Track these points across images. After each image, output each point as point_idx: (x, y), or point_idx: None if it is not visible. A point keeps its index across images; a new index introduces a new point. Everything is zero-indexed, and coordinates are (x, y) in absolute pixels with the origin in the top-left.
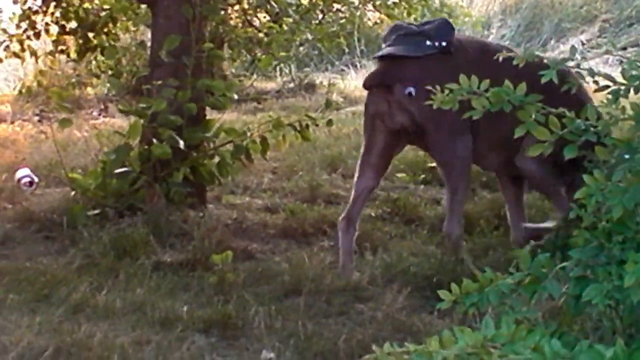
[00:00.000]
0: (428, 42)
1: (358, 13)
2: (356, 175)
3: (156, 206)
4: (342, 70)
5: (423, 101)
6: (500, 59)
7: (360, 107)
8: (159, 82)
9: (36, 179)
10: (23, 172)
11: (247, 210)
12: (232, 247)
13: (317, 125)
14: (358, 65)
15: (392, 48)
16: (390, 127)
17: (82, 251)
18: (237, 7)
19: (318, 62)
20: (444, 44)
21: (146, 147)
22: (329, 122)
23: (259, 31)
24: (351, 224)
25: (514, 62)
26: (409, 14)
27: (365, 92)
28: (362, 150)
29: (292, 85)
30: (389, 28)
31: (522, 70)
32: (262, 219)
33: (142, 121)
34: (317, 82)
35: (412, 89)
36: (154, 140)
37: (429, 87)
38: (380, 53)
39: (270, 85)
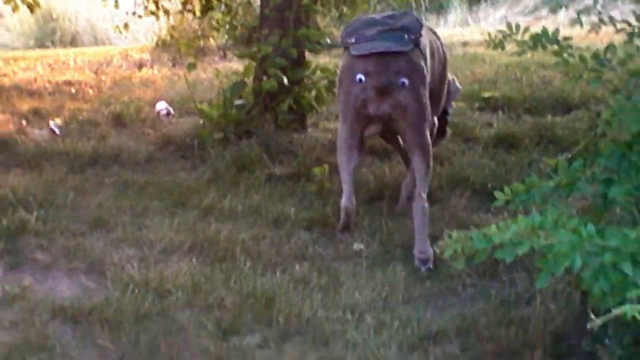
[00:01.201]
0: (406, 37)
1: None
2: (343, 157)
3: (267, 130)
4: None
5: (411, 90)
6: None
7: None
8: (267, 32)
9: (172, 111)
10: (161, 105)
11: None
12: (329, 162)
13: None
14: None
15: (380, 43)
16: (375, 115)
17: (210, 167)
18: None
19: None
20: (416, 37)
21: (258, 83)
22: None
23: None
24: (352, 204)
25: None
26: None
27: None
28: (343, 134)
29: None
30: (358, 22)
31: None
32: None
33: (253, 63)
34: None
35: (405, 80)
36: (264, 78)
37: (414, 78)
38: (371, 48)
39: None
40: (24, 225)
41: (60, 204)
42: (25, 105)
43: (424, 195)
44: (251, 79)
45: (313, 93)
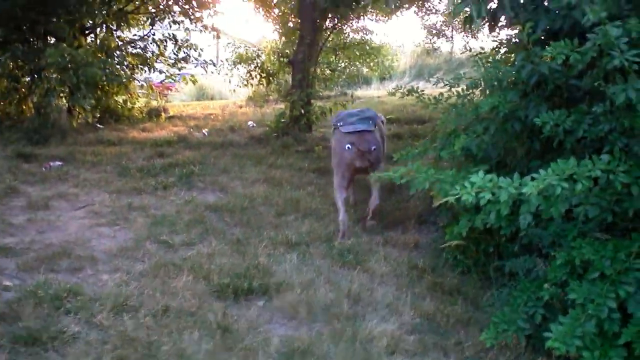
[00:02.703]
0: (371, 122)
1: None
2: (337, 194)
3: (294, 132)
4: None
5: (376, 153)
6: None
7: None
8: (293, 91)
9: (255, 125)
10: (250, 123)
11: None
12: (321, 145)
13: None
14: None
15: (359, 125)
16: (359, 167)
17: (270, 147)
18: None
19: None
20: (374, 122)
21: (290, 112)
22: None
23: None
24: (345, 213)
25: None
26: None
27: None
28: (337, 179)
29: None
30: (343, 113)
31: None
32: None
33: (289, 104)
34: None
35: (374, 147)
36: (293, 110)
37: (378, 147)
38: (354, 129)
39: None
40: (192, 171)
41: (208, 164)
42: (192, 122)
43: (377, 199)
44: (288, 111)
45: (314, 117)
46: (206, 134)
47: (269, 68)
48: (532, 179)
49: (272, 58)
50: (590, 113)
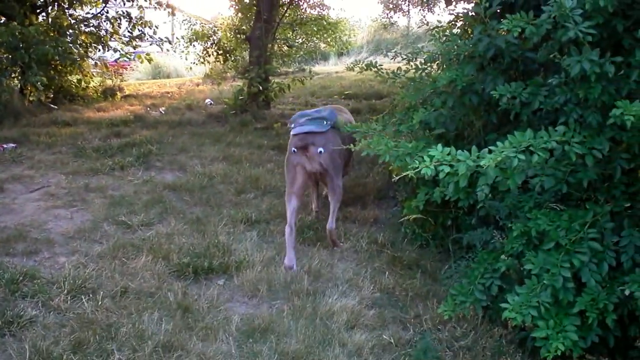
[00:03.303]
0: (325, 122)
1: None
2: (286, 200)
3: (253, 109)
4: None
5: (327, 157)
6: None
7: None
8: (252, 67)
9: (212, 102)
10: (208, 100)
11: None
12: (280, 122)
13: None
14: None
15: (306, 127)
16: (307, 171)
17: (229, 125)
18: None
19: None
20: (332, 123)
21: (248, 90)
22: None
23: None
24: (292, 230)
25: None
26: None
27: None
28: (286, 185)
29: None
30: (297, 114)
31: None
32: None
33: (246, 81)
34: None
35: (321, 149)
36: (251, 87)
37: (328, 149)
38: (300, 130)
39: None
40: (150, 151)
41: (165, 143)
42: (149, 101)
43: (332, 221)
44: (246, 88)
45: (272, 93)
46: (163, 112)
47: (225, 45)
48: (490, 151)
49: (229, 35)
50: (545, 85)
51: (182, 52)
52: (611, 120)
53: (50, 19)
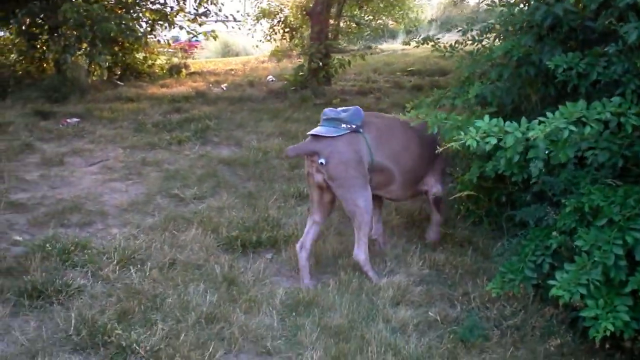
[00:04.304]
0: (343, 125)
1: None
2: (308, 214)
3: (313, 85)
4: None
5: (331, 169)
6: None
7: None
8: (312, 44)
9: (274, 79)
10: (270, 77)
11: None
12: (341, 97)
13: None
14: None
15: (317, 129)
16: (314, 183)
17: (289, 101)
18: None
19: None
20: (354, 126)
21: (309, 65)
22: None
23: None
24: (305, 248)
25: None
26: None
27: None
28: None
29: None
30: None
31: (420, 135)
32: None
33: (307, 58)
34: None
35: (323, 160)
36: (312, 63)
37: (334, 159)
38: (310, 132)
39: None
40: (207, 126)
41: (224, 118)
42: (212, 78)
43: (357, 250)
44: (306, 64)
45: (333, 69)
46: (225, 88)
47: (292, 23)
48: (540, 122)
49: (295, 12)
50: (604, 55)
51: (249, 30)
52: None
53: None
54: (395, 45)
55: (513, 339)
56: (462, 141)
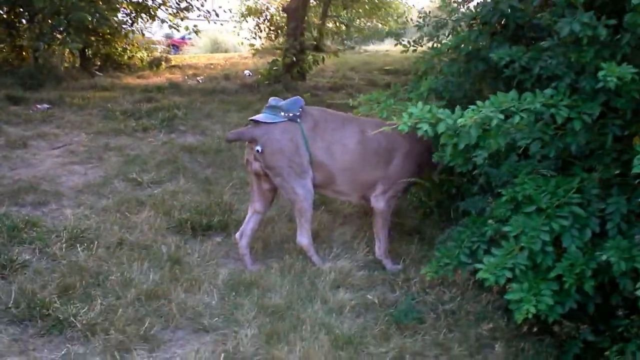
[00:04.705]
0: (282, 114)
1: None
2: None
3: (286, 80)
4: None
5: (267, 156)
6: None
7: None
8: (288, 40)
9: (251, 74)
10: (247, 72)
11: None
12: (312, 93)
13: None
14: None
15: (257, 115)
16: (252, 171)
17: (261, 93)
18: None
19: None
20: (291, 114)
21: (283, 60)
22: None
23: None
24: (245, 236)
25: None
26: None
27: None
28: None
29: None
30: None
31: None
32: None
33: (282, 53)
34: None
35: (259, 148)
36: (286, 58)
37: (270, 147)
38: (250, 118)
39: None
40: (175, 115)
41: (193, 108)
42: (191, 71)
43: (300, 236)
44: (281, 59)
45: (307, 65)
46: (200, 81)
47: (277, 21)
48: (471, 110)
49: (280, 11)
50: (547, 50)
51: (234, 27)
52: (600, 84)
53: None
54: (383, 46)
55: (447, 322)
56: (395, 126)
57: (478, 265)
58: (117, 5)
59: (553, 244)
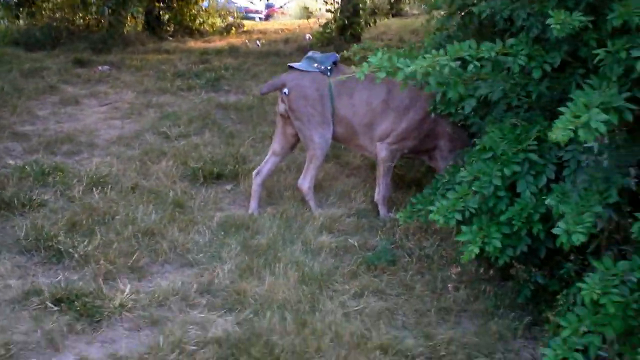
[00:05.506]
0: (315, 64)
1: None
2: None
3: (339, 41)
4: None
5: (291, 100)
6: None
7: None
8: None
9: (310, 37)
10: (306, 36)
11: None
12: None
13: None
14: None
15: (298, 64)
16: (278, 112)
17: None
18: None
19: None
20: (322, 67)
21: (335, 23)
22: None
23: None
24: (260, 175)
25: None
26: None
27: None
28: None
29: None
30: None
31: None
32: None
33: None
34: None
35: (286, 90)
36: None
37: (296, 92)
38: (289, 64)
39: None
40: (222, 75)
41: (242, 69)
42: (256, 36)
43: (302, 180)
44: (333, 21)
45: (359, 27)
46: (259, 45)
47: None
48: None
49: None
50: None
51: None
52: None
53: None
54: None
55: (419, 266)
56: (353, 73)
57: (430, 208)
58: None
59: (510, 189)
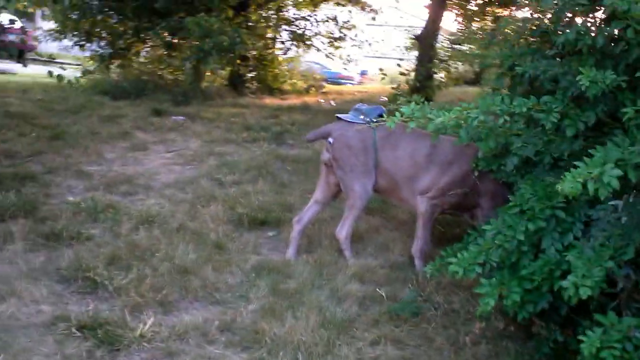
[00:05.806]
0: (361, 117)
1: None
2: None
3: None
4: None
5: (336, 149)
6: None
7: None
8: None
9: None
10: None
11: None
12: None
13: None
14: None
15: (345, 115)
16: (322, 160)
17: None
18: None
19: None
20: (369, 119)
21: None
22: None
23: None
24: (300, 222)
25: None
26: None
27: None
28: None
29: None
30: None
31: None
32: None
33: None
34: None
35: (331, 140)
36: None
37: (340, 141)
38: (339, 116)
39: None
40: (287, 129)
41: (310, 125)
42: (331, 95)
43: (340, 228)
44: (405, 84)
45: (431, 90)
46: (333, 103)
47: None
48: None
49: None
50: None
51: (401, 60)
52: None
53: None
54: None
55: (444, 319)
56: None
57: (449, 259)
58: (264, 32)
59: (536, 246)
